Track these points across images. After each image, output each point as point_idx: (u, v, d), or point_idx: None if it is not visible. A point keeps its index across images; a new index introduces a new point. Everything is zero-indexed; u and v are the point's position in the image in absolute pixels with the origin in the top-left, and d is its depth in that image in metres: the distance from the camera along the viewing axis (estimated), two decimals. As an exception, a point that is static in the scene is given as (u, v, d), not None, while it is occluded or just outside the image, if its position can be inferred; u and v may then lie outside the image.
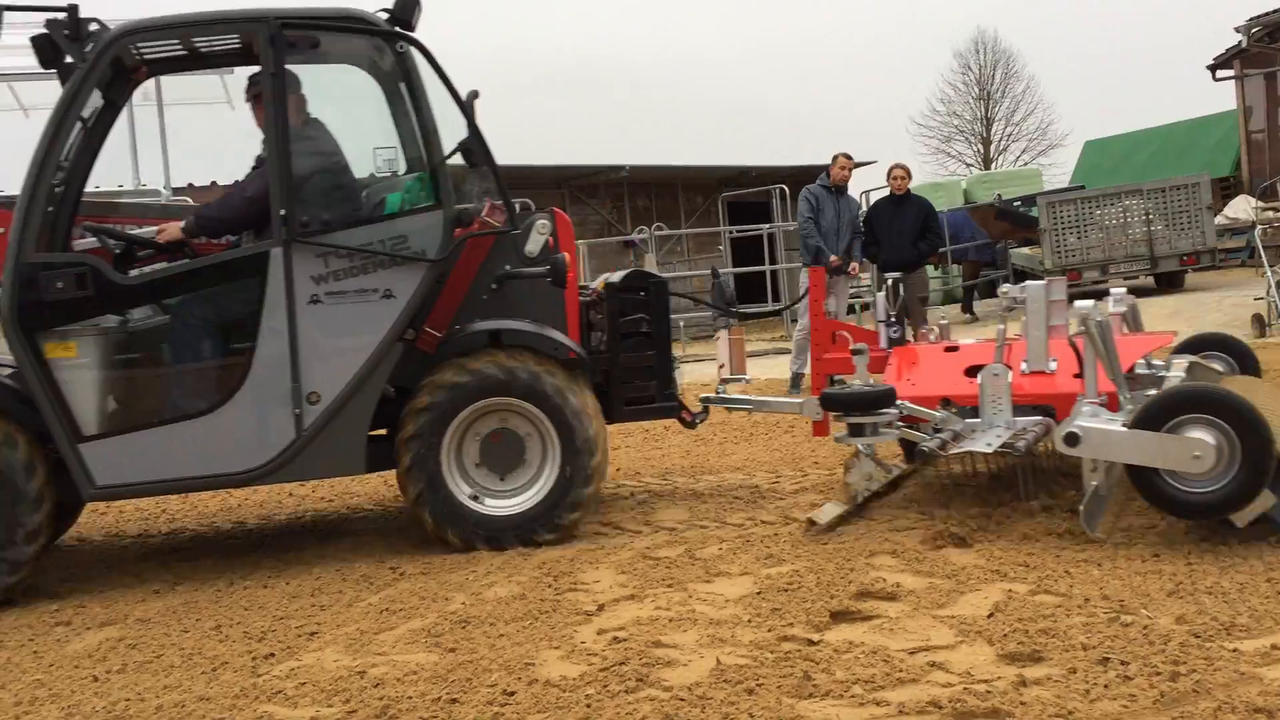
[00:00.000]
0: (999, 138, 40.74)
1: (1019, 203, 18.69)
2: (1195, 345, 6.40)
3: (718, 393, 6.12)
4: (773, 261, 19.17)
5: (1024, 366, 5.14)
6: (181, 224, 5.10)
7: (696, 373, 10.82)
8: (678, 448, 7.83)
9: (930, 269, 17.02)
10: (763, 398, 6.24)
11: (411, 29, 4.98)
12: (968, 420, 4.97)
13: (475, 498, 5.03)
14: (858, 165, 12.09)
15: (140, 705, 3.37)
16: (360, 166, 5.37)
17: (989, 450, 4.62)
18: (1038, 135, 40.08)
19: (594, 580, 4.34)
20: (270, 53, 4.74)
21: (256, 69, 5.25)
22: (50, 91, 5.06)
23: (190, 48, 5.22)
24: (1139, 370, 5.66)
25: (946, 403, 5.11)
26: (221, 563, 5.25)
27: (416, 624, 3.93)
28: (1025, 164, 37.66)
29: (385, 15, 4.96)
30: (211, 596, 4.61)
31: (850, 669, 3.11)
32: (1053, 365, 5.10)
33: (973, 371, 5.21)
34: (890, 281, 5.84)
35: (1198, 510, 4.03)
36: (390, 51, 5.01)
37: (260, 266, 4.75)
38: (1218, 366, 6.02)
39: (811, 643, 3.37)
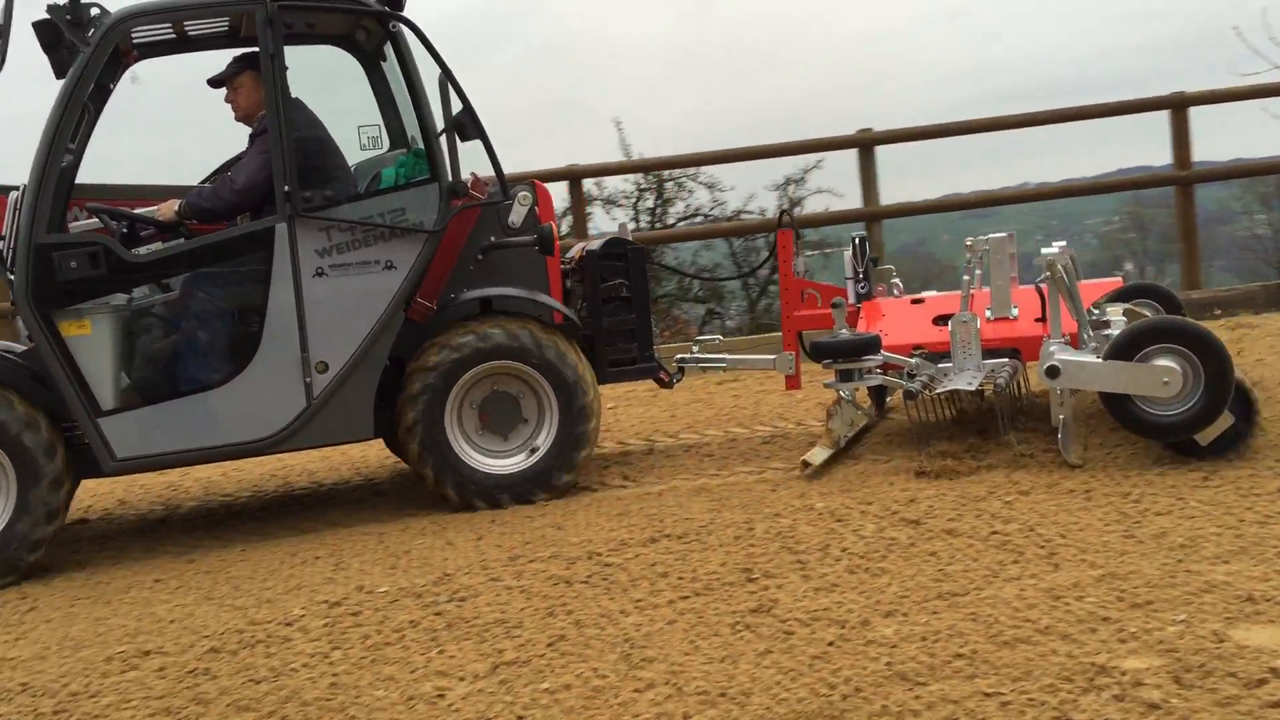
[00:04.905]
0: None
1: None
2: (1127, 294, 6.95)
3: (692, 353, 6.39)
4: None
5: (988, 314, 5.52)
6: (175, 206, 5.20)
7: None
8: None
9: None
10: (736, 356, 6.53)
11: (401, 8, 5.15)
12: (940, 365, 5.35)
13: (474, 456, 5.23)
14: None
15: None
16: (346, 143, 5.52)
17: (970, 388, 4.99)
18: None
19: None
20: (269, 34, 4.86)
21: (238, 51, 5.37)
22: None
23: (180, 31, 5.31)
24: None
25: (918, 350, 5.48)
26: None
27: None
28: None
29: None
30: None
31: None
32: (1014, 312, 5.49)
33: (940, 320, 5.57)
34: (856, 240, 6.16)
35: (1167, 431, 4.44)
36: (381, 31, 5.18)
37: (266, 242, 4.89)
38: (1147, 313, 6.54)
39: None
